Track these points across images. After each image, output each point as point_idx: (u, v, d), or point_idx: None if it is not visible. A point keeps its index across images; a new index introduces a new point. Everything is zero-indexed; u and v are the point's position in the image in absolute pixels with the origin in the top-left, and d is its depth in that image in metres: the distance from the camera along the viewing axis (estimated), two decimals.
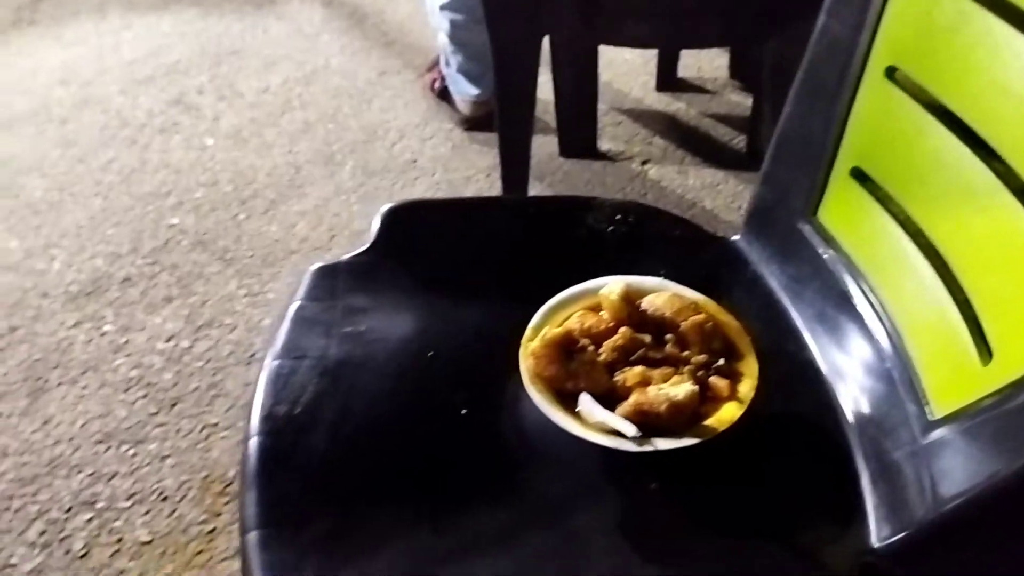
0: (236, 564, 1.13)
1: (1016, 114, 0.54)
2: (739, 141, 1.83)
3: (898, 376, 0.58)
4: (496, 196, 0.74)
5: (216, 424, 1.31)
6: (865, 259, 0.64)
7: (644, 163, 1.78)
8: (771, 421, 0.60)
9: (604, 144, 1.82)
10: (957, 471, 0.50)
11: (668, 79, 1.99)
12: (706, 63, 2.07)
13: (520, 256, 0.77)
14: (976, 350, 0.52)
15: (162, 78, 2.15)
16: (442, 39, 1.80)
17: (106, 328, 1.48)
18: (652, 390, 0.59)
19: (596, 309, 0.68)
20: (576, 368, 0.62)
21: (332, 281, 0.73)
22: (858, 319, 0.63)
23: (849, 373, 0.64)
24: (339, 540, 0.55)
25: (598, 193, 1.69)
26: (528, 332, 0.65)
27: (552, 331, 0.64)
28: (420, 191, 1.74)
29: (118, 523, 1.19)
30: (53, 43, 2.33)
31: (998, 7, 0.55)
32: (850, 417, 0.61)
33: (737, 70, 1.99)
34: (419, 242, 0.78)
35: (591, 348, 0.63)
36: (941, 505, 0.49)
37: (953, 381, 0.53)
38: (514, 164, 1.27)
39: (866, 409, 0.60)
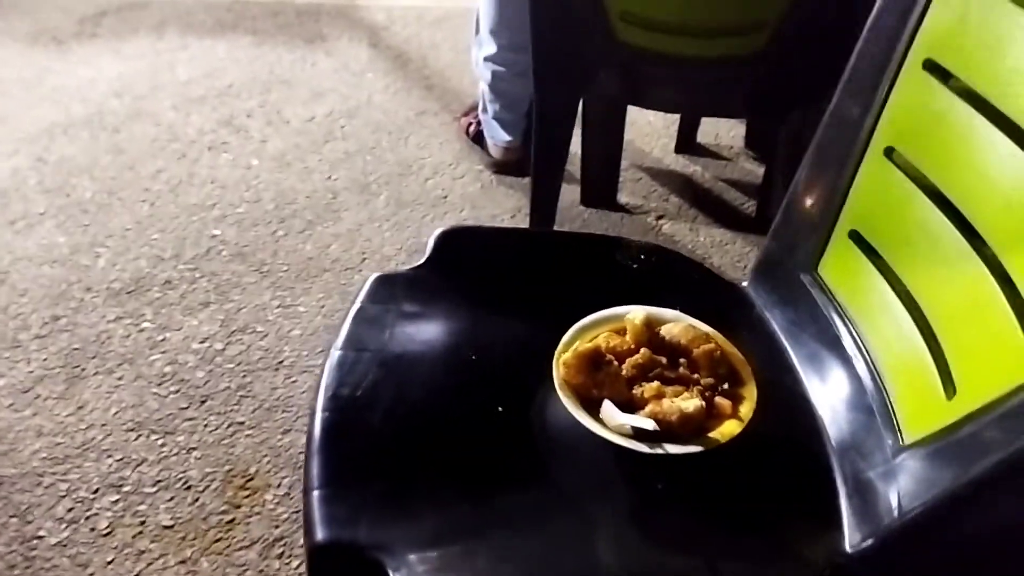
0: (252, 554, 1.20)
1: (991, 196, 0.65)
2: (748, 206, 1.95)
3: (876, 408, 0.67)
4: (536, 229, 0.84)
5: (242, 423, 1.40)
6: (856, 308, 0.74)
7: (659, 218, 1.89)
8: (765, 439, 0.69)
9: (623, 197, 1.94)
10: (920, 487, 0.59)
11: (687, 143, 2.12)
12: (723, 132, 2.21)
13: (555, 281, 0.87)
14: (943, 387, 0.62)
15: (214, 99, 2.28)
16: (482, 87, 1.94)
17: (144, 325, 1.58)
18: (666, 402, 0.69)
19: (620, 332, 0.78)
20: (601, 379, 0.72)
21: (390, 289, 0.83)
22: (846, 360, 0.73)
23: (835, 404, 0.73)
24: (389, 503, 0.64)
25: None
26: (560, 346, 0.75)
27: (583, 346, 0.74)
28: (448, 225, 1.85)
29: (142, 507, 1.27)
30: (112, 56, 2.48)
31: (981, 106, 0.67)
32: (833, 441, 0.71)
33: (752, 141, 2.13)
34: (467, 262, 0.88)
35: (615, 363, 0.73)
36: (904, 515, 0.58)
37: (922, 413, 0.63)
38: (543, 208, 1.39)
39: (847, 435, 0.70)
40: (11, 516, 1.24)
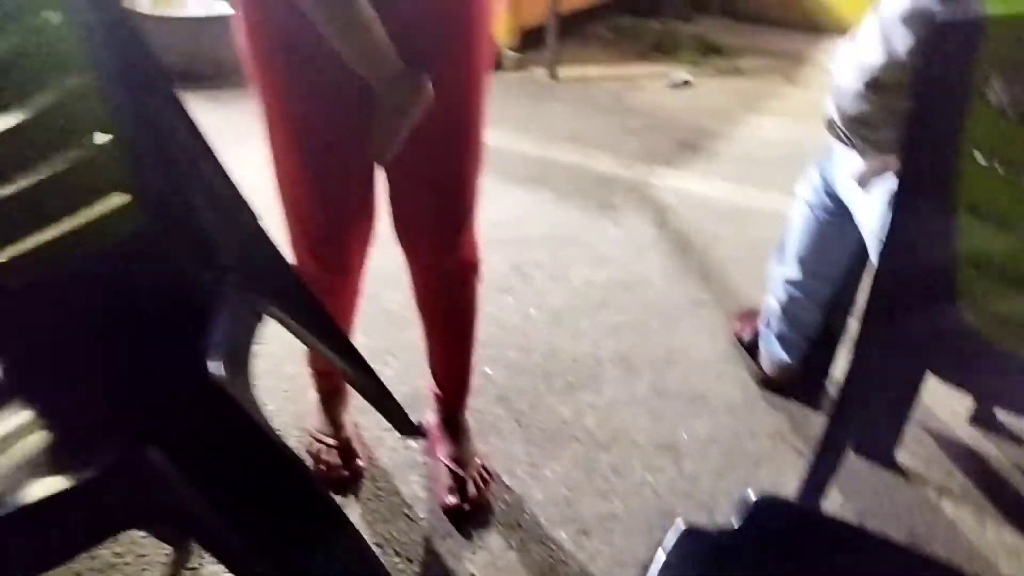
0: None
1: None
2: None
3: None
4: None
5: (473, 575, 1.43)
6: None
7: (941, 494, 1.71)
8: None
9: (901, 456, 1.79)
10: None
11: (985, 415, 1.92)
12: None
13: None
14: None
15: (513, 244, 2.50)
16: (771, 302, 1.92)
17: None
18: None
19: None
20: None
21: (698, 547, 0.82)
22: None
23: None
24: None
25: (885, 510, 1.65)
26: None
27: None
28: (704, 428, 1.82)
29: None
30: None
31: None
32: None
33: None
34: (782, 543, 0.85)
35: None
36: None
37: None
38: (821, 475, 1.31)
39: None
40: None
